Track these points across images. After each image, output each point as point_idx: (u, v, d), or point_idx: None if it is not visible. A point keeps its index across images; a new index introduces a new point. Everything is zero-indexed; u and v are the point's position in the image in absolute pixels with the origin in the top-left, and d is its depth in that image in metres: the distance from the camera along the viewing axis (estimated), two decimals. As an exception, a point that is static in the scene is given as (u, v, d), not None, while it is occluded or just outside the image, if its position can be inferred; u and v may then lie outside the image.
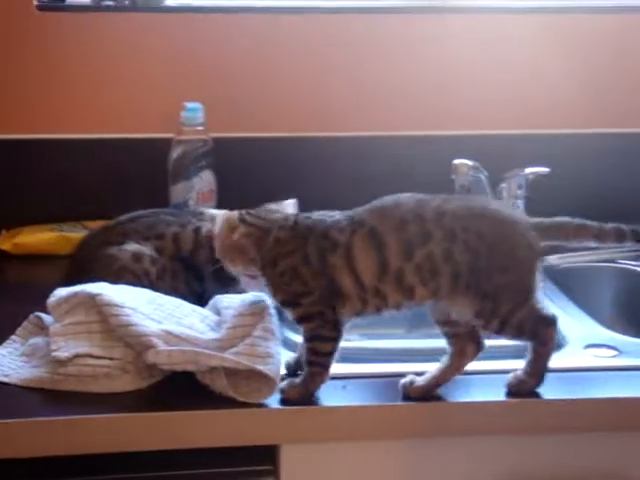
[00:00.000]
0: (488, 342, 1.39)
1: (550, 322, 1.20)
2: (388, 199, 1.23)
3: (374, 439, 1.21)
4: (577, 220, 1.22)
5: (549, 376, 1.27)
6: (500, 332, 1.20)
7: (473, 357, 1.22)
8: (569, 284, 1.62)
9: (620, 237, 1.21)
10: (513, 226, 1.20)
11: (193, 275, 1.45)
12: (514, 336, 1.21)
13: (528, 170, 1.68)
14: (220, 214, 1.28)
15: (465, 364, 1.22)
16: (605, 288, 1.70)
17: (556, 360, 1.32)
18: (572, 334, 1.39)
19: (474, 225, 1.18)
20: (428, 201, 1.21)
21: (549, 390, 1.24)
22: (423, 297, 1.18)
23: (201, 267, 1.45)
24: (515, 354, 1.33)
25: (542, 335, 1.20)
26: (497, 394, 1.22)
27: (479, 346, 1.23)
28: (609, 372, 1.29)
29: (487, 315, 1.18)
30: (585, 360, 1.32)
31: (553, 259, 1.69)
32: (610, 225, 1.21)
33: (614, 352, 1.34)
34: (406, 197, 1.22)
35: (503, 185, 1.69)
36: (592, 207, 1.81)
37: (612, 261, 1.71)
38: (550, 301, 1.51)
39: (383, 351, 1.32)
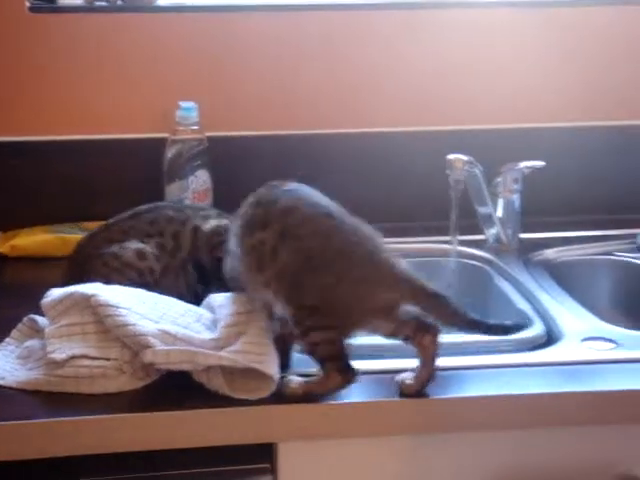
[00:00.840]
0: (486, 338, 1.41)
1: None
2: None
3: (372, 436, 1.20)
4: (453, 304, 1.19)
5: (548, 369, 1.28)
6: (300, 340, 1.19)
7: (435, 344, 1.20)
8: (566, 277, 1.62)
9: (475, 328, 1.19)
10: (370, 266, 1.18)
11: (194, 274, 1.45)
12: (307, 352, 1.19)
13: (523, 164, 1.68)
14: None
15: (433, 355, 1.20)
16: (602, 281, 1.70)
17: (554, 353, 1.32)
18: (569, 327, 1.39)
19: (311, 237, 1.18)
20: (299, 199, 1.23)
21: (547, 384, 1.24)
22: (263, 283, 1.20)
23: (203, 266, 1.45)
24: (514, 348, 1.35)
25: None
26: (493, 389, 1.22)
27: (433, 332, 1.20)
28: (607, 365, 1.29)
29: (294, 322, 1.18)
30: (582, 353, 1.32)
31: (550, 253, 1.70)
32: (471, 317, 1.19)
33: (612, 345, 1.34)
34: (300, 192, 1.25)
35: (498, 179, 1.69)
36: (587, 200, 1.84)
37: (609, 254, 1.71)
38: (547, 295, 1.51)
39: (377, 347, 1.32)
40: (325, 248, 1.18)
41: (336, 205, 1.24)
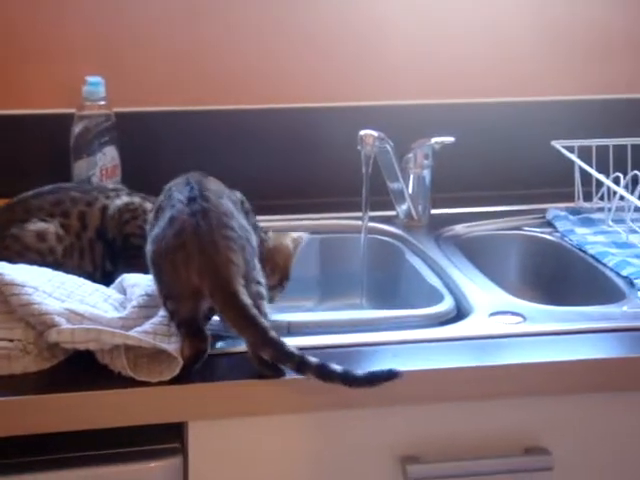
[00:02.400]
0: (396, 313, 1.42)
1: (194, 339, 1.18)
2: None
3: (282, 413, 1.20)
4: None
5: (457, 344, 1.29)
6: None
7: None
8: (476, 253, 1.63)
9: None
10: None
11: (103, 253, 1.43)
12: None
13: (434, 140, 1.69)
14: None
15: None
16: (511, 256, 1.72)
17: (462, 328, 1.34)
18: (478, 302, 1.41)
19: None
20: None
21: (456, 358, 1.25)
22: None
23: (111, 244, 1.43)
24: (424, 323, 1.36)
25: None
26: (403, 364, 1.22)
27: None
28: (514, 338, 1.31)
29: None
30: (491, 327, 1.33)
31: (460, 228, 1.71)
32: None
33: (519, 319, 1.36)
34: None
35: (409, 155, 1.70)
36: (497, 175, 1.86)
37: (518, 229, 1.73)
38: (457, 270, 1.53)
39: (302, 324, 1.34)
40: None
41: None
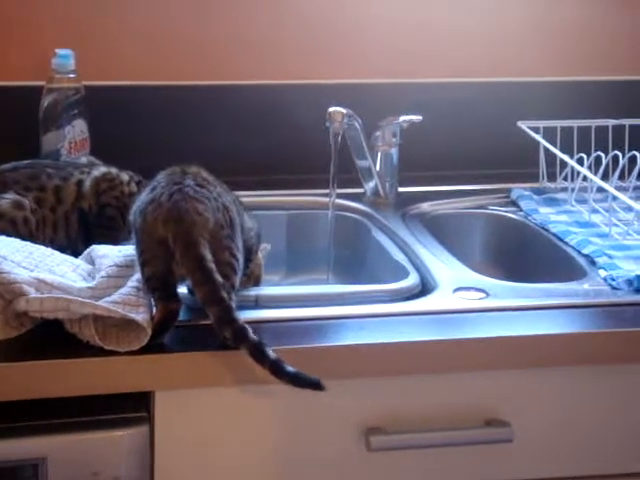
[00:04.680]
0: (362, 287, 1.44)
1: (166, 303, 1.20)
2: None
3: (248, 383, 1.21)
4: None
5: (422, 318, 1.31)
6: None
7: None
8: (442, 230, 1.65)
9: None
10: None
11: (76, 226, 1.43)
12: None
13: (402, 118, 1.70)
14: None
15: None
16: (476, 234, 1.74)
17: (427, 303, 1.36)
18: (442, 278, 1.43)
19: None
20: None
21: (420, 332, 1.27)
22: None
23: (85, 214, 1.44)
24: (390, 298, 1.38)
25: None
26: (369, 337, 1.24)
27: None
28: (477, 313, 1.33)
29: None
30: (454, 302, 1.36)
31: (426, 206, 1.73)
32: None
33: (482, 294, 1.38)
34: None
35: (377, 133, 1.71)
36: (463, 154, 1.88)
37: (483, 207, 1.75)
38: (423, 247, 1.55)
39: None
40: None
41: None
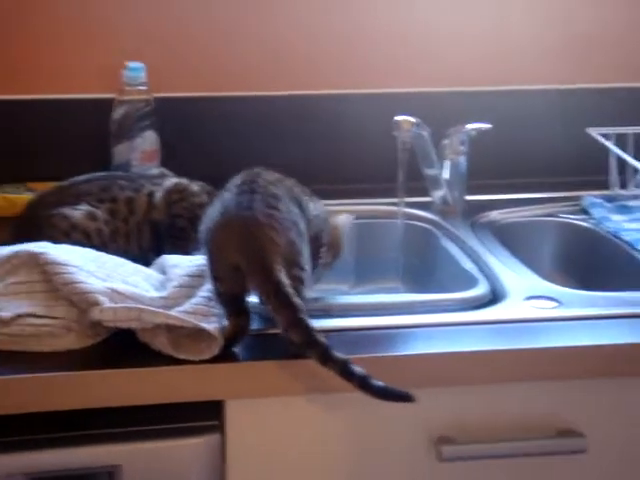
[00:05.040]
0: (431, 296, 1.43)
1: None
2: None
3: (320, 392, 1.21)
4: None
5: (492, 327, 1.30)
6: None
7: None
8: (511, 239, 1.64)
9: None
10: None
11: (149, 236, 1.46)
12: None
13: (470, 126, 1.69)
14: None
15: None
16: (546, 242, 1.72)
17: (497, 312, 1.35)
18: (512, 286, 1.41)
19: None
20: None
21: (491, 341, 1.26)
22: None
23: (157, 224, 1.46)
24: (460, 307, 1.37)
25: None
26: (439, 346, 1.24)
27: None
28: (549, 323, 1.31)
29: None
30: (526, 311, 1.34)
31: (495, 214, 1.72)
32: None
33: (554, 303, 1.36)
34: None
35: (445, 141, 1.70)
36: (533, 162, 1.86)
37: (554, 216, 1.74)
38: (492, 255, 1.53)
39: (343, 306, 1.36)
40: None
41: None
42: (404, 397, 1.13)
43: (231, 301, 1.20)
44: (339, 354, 1.13)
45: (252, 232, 1.17)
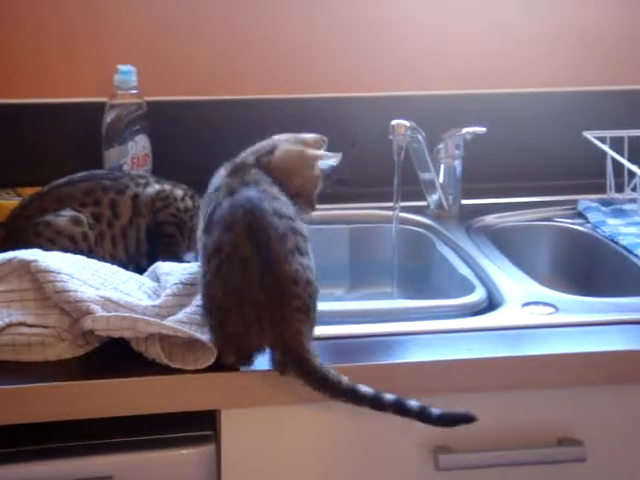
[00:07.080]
0: (428, 303, 1.42)
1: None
2: None
3: (315, 402, 1.20)
4: None
5: (490, 334, 1.28)
6: None
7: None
8: (507, 243, 1.63)
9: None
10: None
11: (135, 241, 1.44)
12: None
13: (465, 130, 1.68)
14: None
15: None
16: (543, 247, 1.72)
17: (495, 318, 1.33)
18: (510, 293, 1.40)
19: None
20: None
21: (489, 348, 1.25)
22: None
23: (146, 236, 1.45)
24: (456, 313, 1.36)
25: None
26: (436, 354, 1.23)
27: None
28: (547, 329, 1.30)
29: None
30: (523, 318, 1.33)
31: (491, 219, 1.71)
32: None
33: (552, 309, 1.35)
34: None
35: (440, 145, 1.69)
36: (528, 166, 1.85)
37: (550, 220, 1.73)
38: (488, 260, 1.52)
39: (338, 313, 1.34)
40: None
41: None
42: (467, 419, 1.13)
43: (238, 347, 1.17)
44: (388, 396, 1.12)
45: (282, 330, 1.13)
